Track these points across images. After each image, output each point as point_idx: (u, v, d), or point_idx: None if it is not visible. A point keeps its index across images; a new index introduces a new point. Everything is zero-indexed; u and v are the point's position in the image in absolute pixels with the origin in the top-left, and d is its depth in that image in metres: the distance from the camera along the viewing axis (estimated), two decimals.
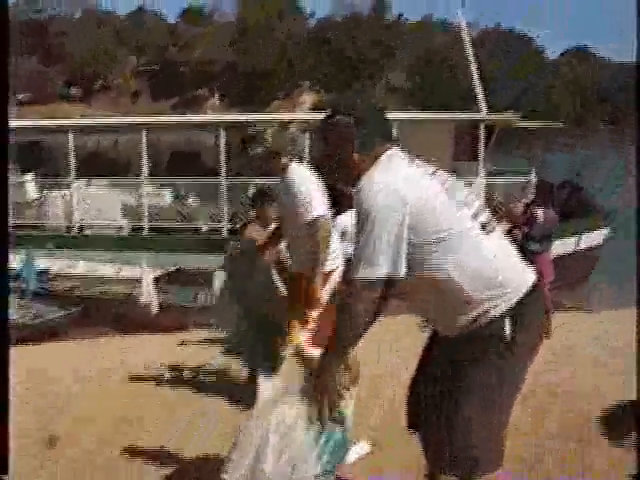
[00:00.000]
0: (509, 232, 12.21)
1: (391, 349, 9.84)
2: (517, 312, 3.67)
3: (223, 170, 19.43)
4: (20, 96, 79.30)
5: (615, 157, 35.12)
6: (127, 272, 17.74)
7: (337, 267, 6.82)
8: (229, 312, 7.64)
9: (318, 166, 6.05)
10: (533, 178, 19.70)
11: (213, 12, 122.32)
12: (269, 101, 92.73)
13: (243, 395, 7.22)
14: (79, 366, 10.24)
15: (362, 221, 3.60)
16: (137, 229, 20.34)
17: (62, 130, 20.77)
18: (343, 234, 8.65)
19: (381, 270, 3.56)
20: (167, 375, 8.99)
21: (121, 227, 20.36)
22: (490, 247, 3.76)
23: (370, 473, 5.65)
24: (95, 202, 20.40)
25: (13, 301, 14.82)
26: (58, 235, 20.13)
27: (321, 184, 6.56)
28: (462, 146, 20.90)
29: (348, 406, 4.51)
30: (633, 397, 6.45)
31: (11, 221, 17.21)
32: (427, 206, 3.63)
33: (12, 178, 18.48)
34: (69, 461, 6.40)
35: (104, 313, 15.83)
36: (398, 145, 3.99)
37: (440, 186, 3.78)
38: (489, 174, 19.77)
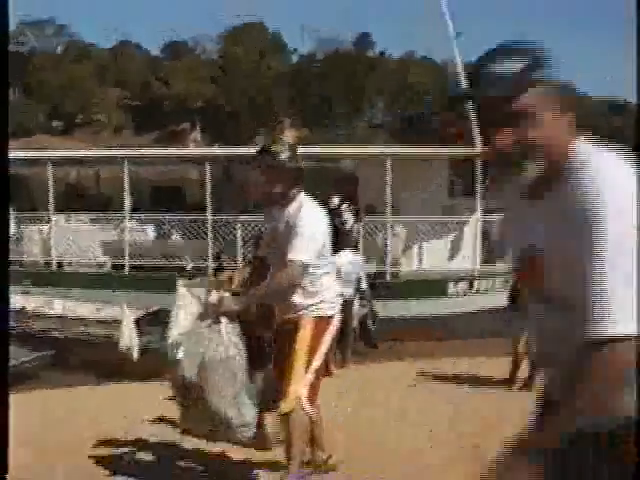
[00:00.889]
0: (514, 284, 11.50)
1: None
2: None
3: (209, 206, 18.60)
4: None
5: None
6: (107, 312, 16.90)
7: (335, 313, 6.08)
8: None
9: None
10: None
11: (195, 47, 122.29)
12: (251, 136, 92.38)
13: None
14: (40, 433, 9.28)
15: None
16: (118, 266, 19.55)
17: (41, 162, 19.96)
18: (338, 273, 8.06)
19: None
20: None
21: (102, 264, 19.51)
22: None
23: None
24: (75, 238, 19.62)
25: None
26: (35, 272, 19.27)
27: (327, 226, 5.82)
28: (458, 182, 20.27)
29: None
30: None
31: None
32: None
33: None
34: None
35: (81, 357, 14.88)
36: None
37: None
38: (486, 210, 19.10)
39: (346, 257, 13.42)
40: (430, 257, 18.63)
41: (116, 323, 15.38)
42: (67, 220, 20.33)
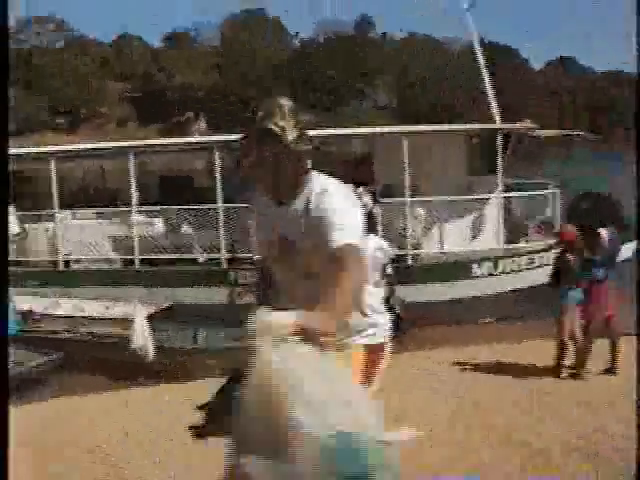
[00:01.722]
0: (559, 258, 10.78)
1: None
2: None
3: (219, 195, 17.86)
4: None
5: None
6: (118, 310, 16.22)
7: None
8: None
9: None
10: (557, 191, 18.42)
11: (196, 36, 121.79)
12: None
13: None
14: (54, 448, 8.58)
15: None
16: (128, 262, 18.88)
17: (44, 158, 19.22)
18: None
19: None
20: None
21: (110, 260, 18.81)
22: None
23: None
24: (82, 235, 18.92)
25: None
26: (42, 271, 18.57)
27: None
28: (476, 159, 19.58)
29: None
30: None
31: None
32: None
33: None
34: None
35: (93, 359, 14.14)
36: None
37: None
38: (506, 188, 18.41)
39: (374, 244, 12.74)
40: (451, 238, 17.89)
41: (128, 321, 14.69)
42: (73, 216, 19.61)
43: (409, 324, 11.75)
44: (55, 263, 19.06)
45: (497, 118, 18.97)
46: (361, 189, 16.32)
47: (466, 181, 19.08)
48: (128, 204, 18.92)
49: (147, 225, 18.81)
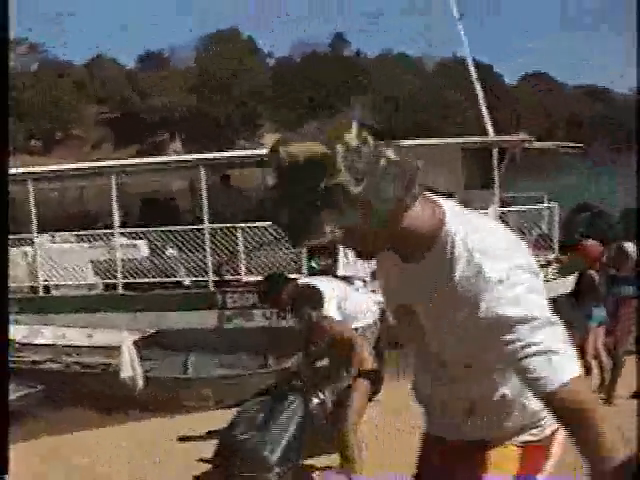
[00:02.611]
0: (582, 276, 10.15)
1: None
2: None
3: (206, 215, 17.16)
4: None
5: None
6: (101, 337, 15.46)
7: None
8: None
9: None
10: (555, 205, 17.87)
11: (170, 57, 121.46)
12: (233, 143, 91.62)
13: None
14: None
15: None
16: (110, 287, 18.05)
17: (21, 180, 18.41)
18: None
19: None
20: None
21: (92, 285, 18.01)
22: None
23: None
24: (61, 259, 18.10)
25: None
26: (21, 298, 17.71)
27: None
28: (473, 174, 18.96)
29: None
30: None
31: None
32: None
33: None
34: None
35: (77, 391, 13.33)
36: None
37: None
38: (502, 203, 17.81)
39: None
40: None
41: (112, 349, 13.95)
42: (52, 240, 18.81)
43: None
44: (34, 289, 18.26)
45: (491, 131, 18.36)
46: None
47: (463, 195, 18.46)
48: (109, 227, 18.12)
49: (130, 248, 17.97)
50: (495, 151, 17.29)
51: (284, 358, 13.67)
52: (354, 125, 2.50)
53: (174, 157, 23.63)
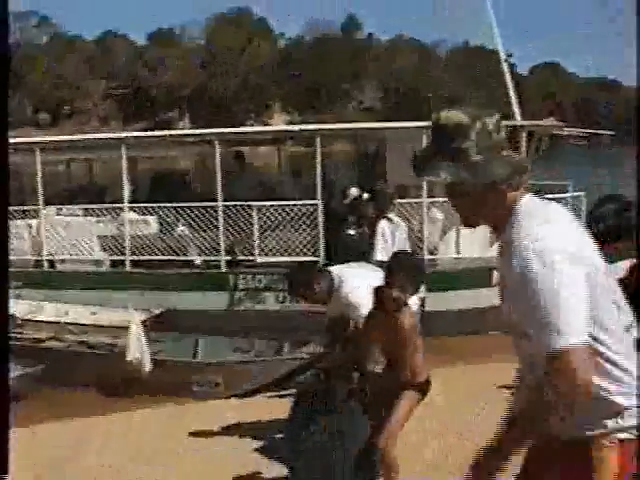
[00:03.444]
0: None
1: None
2: None
3: (219, 192, 16.46)
4: None
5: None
6: (107, 316, 14.80)
7: None
8: None
9: None
10: (581, 194, 17.18)
11: (181, 34, 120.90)
12: (242, 122, 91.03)
13: None
14: None
15: None
16: (118, 264, 17.34)
17: (28, 150, 17.75)
18: None
19: None
20: None
21: (99, 261, 17.31)
22: None
23: None
24: (68, 232, 17.42)
25: None
26: (25, 272, 17.00)
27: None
28: None
29: None
30: None
31: None
32: None
33: None
34: None
35: (79, 372, 12.62)
36: None
37: None
38: (532, 190, 17.06)
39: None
40: (468, 243, 16.54)
41: (118, 329, 13.26)
42: (58, 213, 18.12)
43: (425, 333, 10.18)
44: (39, 263, 17.59)
45: (518, 115, 17.64)
46: (367, 197, 14.80)
47: None
48: (118, 201, 17.46)
49: (139, 224, 17.30)
50: (523, 136, 16.53)
51: (300, 345, 13.04)
52: (496, 115, 3.27)
53: (187, 131, 22.70)
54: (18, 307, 14.73)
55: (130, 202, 17.38)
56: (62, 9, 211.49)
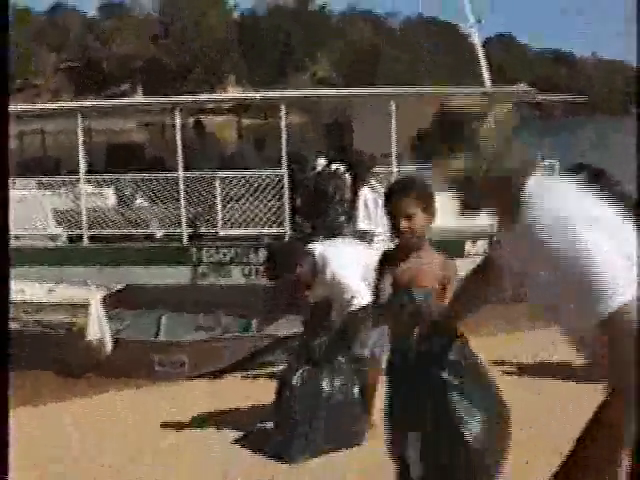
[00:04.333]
0: None
1: None
2: None
3: (180, 162, 15.78)
4: None
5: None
6: (66, 293, 14.07)
7: None
8: None
9: None
10: (555, 162, 16.76)
11: (133, 6, 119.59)
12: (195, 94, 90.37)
13: None
14: None
15: None
16: (74, 239, 16.59)
17: None
18: None
19: None
20: None
21: (55, 236, 16.58)
22: None
23: None
24: (20, 207, 16.61)
25: None
26: None
27: None
28: None
29: None
30: None
31: None
32: None
33: None
34: None
35: (36, 354, 11.89)
36: None
37: None
38: None
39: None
40: (440, 213, 15.99)
41: (77, 307, 12.55)
42: (11, 186, 17.33)
43: None
44: None
45: (488, 81, 17.16)
46: (336, 167, 14.17)
47: None
48: (73, 173, 16.69)
49: (96, 196, 16.61)
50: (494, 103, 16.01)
51: (269, 321, 12.45)
52: (511, 106, 3.34)
53: (146, 99, 21.78)
54: None
55: (87, 173, 16.60)
56: None
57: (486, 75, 17.25)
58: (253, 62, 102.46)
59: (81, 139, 16.32)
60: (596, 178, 17.68)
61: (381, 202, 10.19)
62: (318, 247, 6.88)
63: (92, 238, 16.32)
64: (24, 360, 11.49)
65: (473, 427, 4.25)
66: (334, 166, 14.84)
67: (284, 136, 15.53)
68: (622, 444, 2.84)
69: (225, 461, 6.95)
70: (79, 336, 11.64)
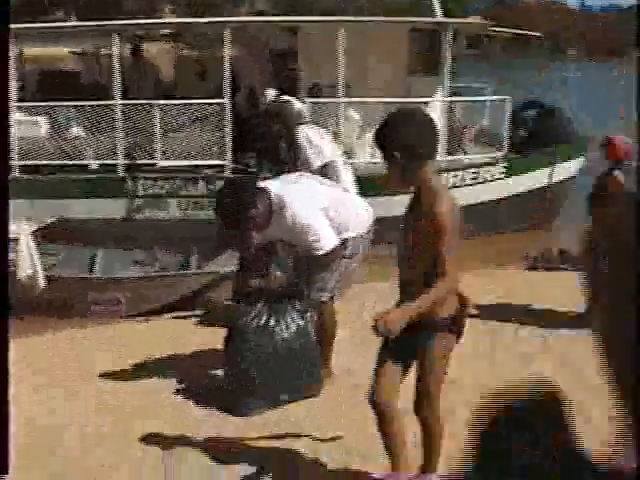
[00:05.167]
0: (604, 177, 8.57)
1: None
2: None
3: (117, 90, 15.06)
4: None
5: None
6: None
7: None
8: None
9: None
10: (507, 98, 16.34)
11: None
12: None
13: None
14: None
15: None
16: None
17: None
18: None
19: None
20: None
21: None
22: None
23: None
24: None
25: None
26: None
27: None
28: (418, 59, 17.25)
29: None
30: None
31: None
32: None
33: None
34: None
35: None
36: None
37: None
38: (452, 92, 16.24)
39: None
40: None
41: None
42: None
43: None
44: None
45: (439, 12, 16.59)
46: (286, 98, 13.52)
47: (405, 82, 16.74)
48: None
49: (28, 125, 15.67)
50: (449, 34, 15.46)
51: (207, 258, 11.89)
52: None
53: (83, 23, 20.74)
54: None
55: (18, 100, 15.78)
56: None
57: (436, 4, 16.70)
58: None
59: (12, 62, 15.44)
60: (548, 115, 17.37)
61: (327, 137, 9.56)
62: (274, 185, 6.20)
63: (22, 168, 15.48)
64: None
65: None
66: (284, 97, 14.28)
67: (227, 64, 14.85)
68: None
69: (172, 415, 6.44)
70: (9, 273, 10.98)
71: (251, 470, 5.40)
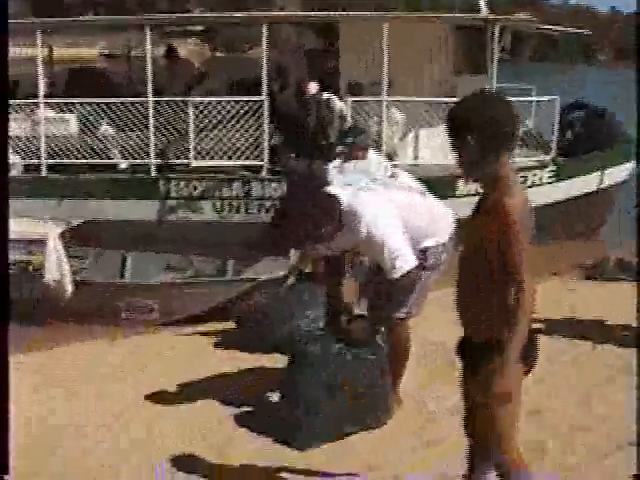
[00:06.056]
0: None
1: None
2: None
3: (150, 86, 14.61)
4: None
5: None
6: (21, 228, 12.76)
7: None
8: None
9: None
10: (555, 98, 15.78)
11: None
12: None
13: None
14: None
15: None
16: (32, 168, 15.22)
17: None
18: None
19: None
20: None
21: (10, 166, 15.28)
22: None
23: None
24: None
25: None
26: None
27: None
28: (464, 58, 16.67)
29: None
30: None
31: None
32: None
33: None
34: None
35: None
36: None
37: None
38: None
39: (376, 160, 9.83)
40: (430, 149, 14.99)
41: (33, 244, 11.28)
42: None
43: None
44: None
45: (484, 8, 16.00)
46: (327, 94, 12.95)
47: (452, 81, 16.18)
48: (31, 97, 15.30)
49: (57, 122, 15.30)
50: (496, 31, 14.89)
51: (247, 263, 11.33)
52: None
53: (113, 17, 20.29)
54: None
55: (46, 97, 15.35)
56: None
57: (482, 2, 16.11)
58: None
59: (40, 59, 15.05)
60: (597, 116, 16.75)
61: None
62: (345, 194, 5.46)
63: (51, 168, 15.07)
64: None
65: None
66: (326, 95, 13.82)
67: (265, 56, 14.33)
68: None
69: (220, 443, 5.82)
70: (36, 277, 10.43)
71: None
